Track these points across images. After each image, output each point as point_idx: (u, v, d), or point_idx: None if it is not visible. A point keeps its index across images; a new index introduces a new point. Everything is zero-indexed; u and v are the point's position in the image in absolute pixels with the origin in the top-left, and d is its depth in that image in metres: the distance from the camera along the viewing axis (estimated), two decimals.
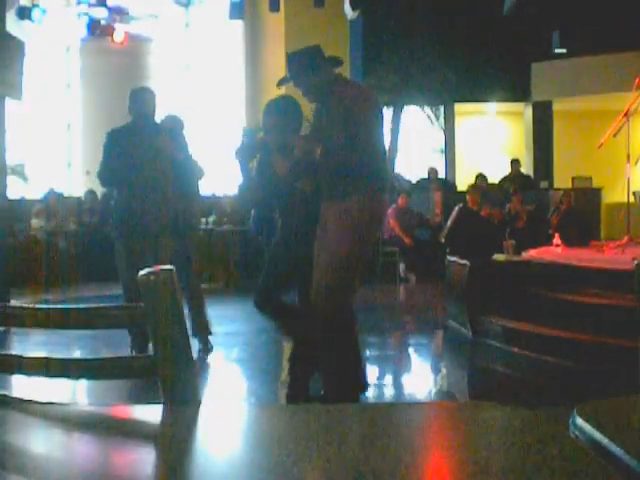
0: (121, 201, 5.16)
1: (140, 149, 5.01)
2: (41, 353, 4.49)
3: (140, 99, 5.27)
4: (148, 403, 1.69)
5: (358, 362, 4.03)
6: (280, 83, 3.96)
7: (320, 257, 3.79)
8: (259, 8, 15.35)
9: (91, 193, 11.47)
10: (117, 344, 4.93)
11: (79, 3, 13.14)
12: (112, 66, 14.17)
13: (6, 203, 8.66)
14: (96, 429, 1.34)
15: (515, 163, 12.74)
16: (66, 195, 11.88)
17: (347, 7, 12.55)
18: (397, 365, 5.96)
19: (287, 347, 6.62)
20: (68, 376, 1.64)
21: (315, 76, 3.77)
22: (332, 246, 3.73)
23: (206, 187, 8.54)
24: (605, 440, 1.20)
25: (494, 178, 12.54)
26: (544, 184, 13.55)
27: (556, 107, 14.59)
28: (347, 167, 3.69)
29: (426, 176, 12.73)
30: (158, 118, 5.44)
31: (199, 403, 1.51)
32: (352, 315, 3.91)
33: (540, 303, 6.26)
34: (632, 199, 8.65)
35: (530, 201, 10.96)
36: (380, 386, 5.08)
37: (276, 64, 15.74)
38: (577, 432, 1.26)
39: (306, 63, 3.80)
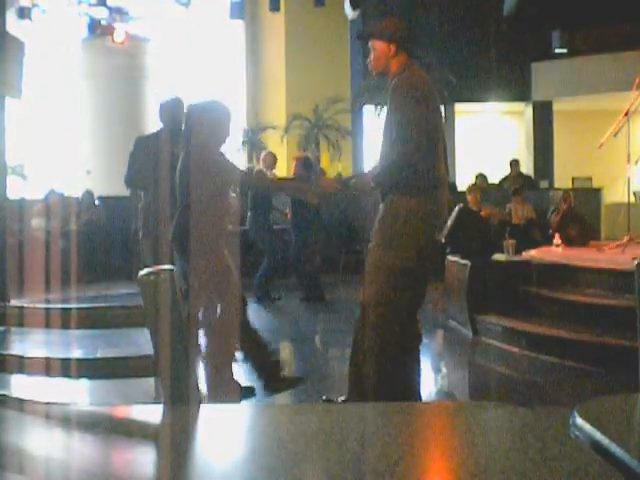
0: (145, 203, 5.34)
1: (162, 157, 5.14)
2: (41, 353, 4.50)
3: (168, 110, 5.38)
4: (148, 403, 1.69)
5: (410, 379, 3.72)
6: (359, 36, 3.96)
7: (368, 258, 3.64)
8: (259, 8, 15.36)
9: (88, 193, 11.50)
10: (117, 344, 4.92)
11: (79, 3, 13.16)
12: (112, 66, 14.18)
13: (6, 203, 8.66)
14: (96, 429, 1.34)
15: (515, 163, 12.73)
16: (66, 195, 11.88)
17: (347, 7, 12.55)
18: None
19: (287, 347, 6.64)
20: (68, 376, 1.64)
21: (391, 45, 3.66)
22: (377, 247, 3.61)
23: None
24: (605, 440, 1.20)
25: (494, 178, 12.53)
26: (544, 184, 13.54)
27: (556, 107, 14.59)
28: (396, 167, 3.54)
29: None
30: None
31: (199, 403, 1.51)
32: (406, 328, 3.61)
33: (540, 303, 6.26)
34: (632, 199, 8.65)
35: (530, 201, 10.96)
36: None
37: (276, 64, 15.74)
38: (577, 432, 1.26)
39: (388, 31, 3.71)
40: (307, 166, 8.22)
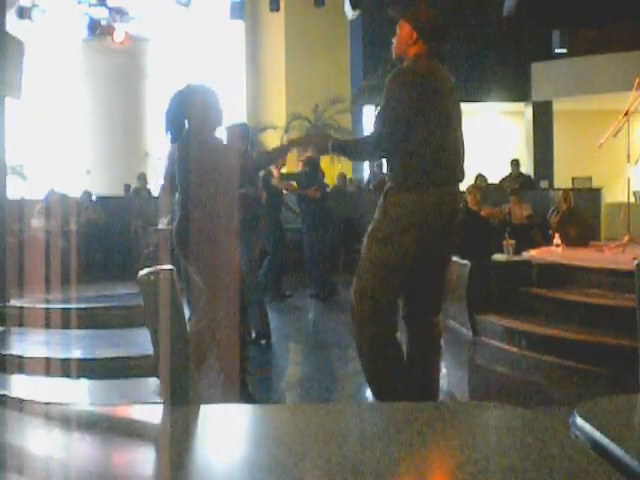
0: None
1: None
2: (41, 353, 4.49)
3: (237, 135, 5.36)
4: (148, 403, 1.69)
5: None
6: (390, 9, 3.62)
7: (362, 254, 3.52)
8: (259, 8, 15.36)
9: (86, 194, 11.53)
10: (117, 344, 4.92)
11: (79, 3, 13.16)
12: (112, 66, 14.18)
13: (6, 203, 8.66)
14: (96, 429, 1.34)
15: (515, 163, 12.74)
16: (66, 195, 11.89)
17: (347, 7, 12.54)
18: None
19: (289, 346, 6.63)
20: (68, 376, 1.64)
21: (414, 32, 3.48)
22: (367, 238, 3.50)
23: None
24: (605, 440, 1.20)
25: (494, 178, 12.53)
26: (544, 184, 13.55)
27: (556, 107, 14.60)
28: (367, 145, 3.46)
29: None
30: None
31: (199, 403, 1.51)
32: (385, 325, 3.42)
33: (540, 303, 6.26)
34: (632, 199, 8.65)
35: (530, 201, 10.96)
36: None
37: (276, 64, 15.75)
38: (577, 432, 1.26)
39: (417, 16, 3.53)
40: (313, 164, 8.46)
